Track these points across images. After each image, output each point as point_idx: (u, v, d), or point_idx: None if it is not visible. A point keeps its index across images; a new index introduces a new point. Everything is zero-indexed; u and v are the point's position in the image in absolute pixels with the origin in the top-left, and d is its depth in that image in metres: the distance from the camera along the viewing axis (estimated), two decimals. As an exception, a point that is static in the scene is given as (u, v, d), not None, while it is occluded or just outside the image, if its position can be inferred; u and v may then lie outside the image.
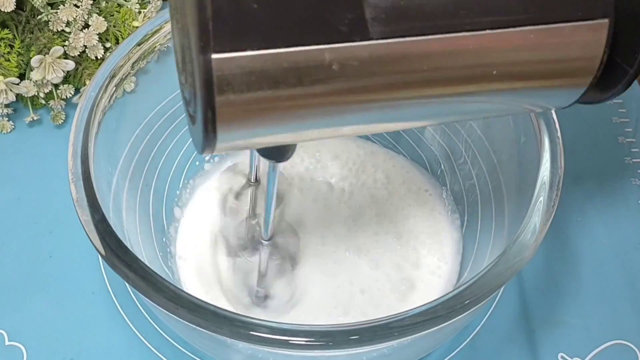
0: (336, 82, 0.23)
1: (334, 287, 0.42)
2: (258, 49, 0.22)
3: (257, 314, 0.39)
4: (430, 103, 0.25)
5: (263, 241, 0.37)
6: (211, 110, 0.23)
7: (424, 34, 0.23)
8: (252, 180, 0.40)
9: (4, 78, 0.49)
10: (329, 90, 0.23)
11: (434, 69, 0.24)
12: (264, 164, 0.38)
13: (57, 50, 0.49)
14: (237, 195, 0.42)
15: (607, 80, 0.27)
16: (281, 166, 0.42)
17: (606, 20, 0.25)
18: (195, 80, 0.22)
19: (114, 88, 0.38)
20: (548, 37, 0.25)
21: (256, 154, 0.38)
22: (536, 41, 0.24)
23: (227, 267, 0.42)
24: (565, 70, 0.26)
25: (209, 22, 0.21)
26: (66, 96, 0.51)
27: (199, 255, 0.43)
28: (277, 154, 0.29)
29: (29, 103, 0.52)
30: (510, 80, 0.25)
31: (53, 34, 0.49)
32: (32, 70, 0.49)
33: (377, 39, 0.23)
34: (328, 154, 0.48)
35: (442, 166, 0.47)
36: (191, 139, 0.27)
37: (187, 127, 0.27)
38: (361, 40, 0.23)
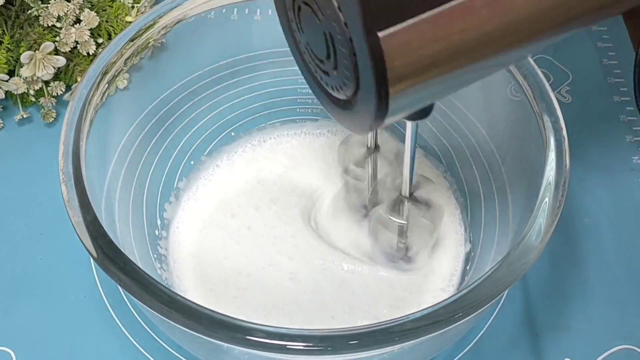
0: (487, 25, 0.24)
1: (331, 285, 0.42)
2: (417, 14, 0.23)
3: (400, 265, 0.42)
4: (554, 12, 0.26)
5: (404, 199, 0.38)
6: (384, 88, 0.24)
7: None
8: (372, 147, 0.41)
9: (-7, 74, 0.49)
10: (483, 36, 0.25)
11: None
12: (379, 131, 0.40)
13: (48, 46, 0.49)
14: (359, 163, 0.43)
15: None
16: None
17: None
18: (362, 62, 0.24)
19: (107, 85, 0.38)
20: None
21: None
22: None
23: (229, 264, 0.42)
24: None
25: (371, 1, 0.22)
26: (57, 93, 0.51)
27: (196, 255, 0.43)
28: (423, 112, 0.30)
29: (19, 100, 0.52)
30: None
31: (43, 30, 0.49)
32: (22, 67, 0.49)
33: None
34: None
35: (445, 166, 0.47)
36: (338, 123, 0.29)
37: (329, 113, 0.29)
38: None
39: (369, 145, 0.42)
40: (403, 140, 0.34)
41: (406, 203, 0.39)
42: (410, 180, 0.37)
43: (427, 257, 0.43)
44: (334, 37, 0.25)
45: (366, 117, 0.26)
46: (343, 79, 0.26)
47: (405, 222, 0.39)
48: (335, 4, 0.24)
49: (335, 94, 0.28)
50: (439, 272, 0.43)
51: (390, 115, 0.25)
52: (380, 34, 0.23)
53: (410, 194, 0.38)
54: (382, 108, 0.25)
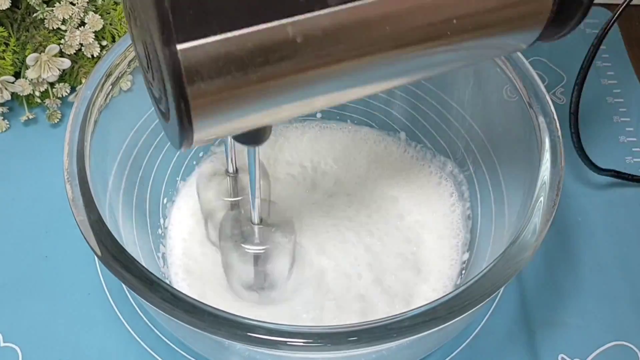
0: (303, 55, 0.23)
1: (328, 280, 0.42)
2: (220, 32, 0.22)
3: (257, 301, 0.40)
4: (400, 61, 0.26)
5: (254, 227, 0.37)
6: (184, 102, 0.22)
7: None
8: (231, 172, 0.41)
9: (-1, 76, 0.49)
10: (298, 64, 0.23)
11: (396, 28, 0.24)
12: (239, 154, 0.39)
13: (53, 48, 0.49)
14: (221, 192, 0.42)
15: (563, 14, 0.27)
16: (263, 155, 0.42)
17: None
18: (164, 75, 0.22)
19: (110, 87, 0.38)
20: None
21: (230, 144, 0.38)
22: None
23: (228, 260, 0.42)
24: (523, 11, 0.27)
25: (169, 13, 0.21)
26: (62, 95, 0.51)
27: (197, 254, 0.43)
28: (254, 138, 0.29)
29: (25, 102, 0.52)
30: (471, 29, 0.26)
31: (49, 32, 0.49)
32: (27, 69, 0.49)
33: (336, 5, 0.23)
34: (323, 145, 0.49)
35: (442, 162, 0.47)
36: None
37: (161, 126, 0.27)
38: (320, 8, 0.23)
39: (229, 171, 0.40)
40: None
41: (256, 230, 0.37)
42: (255, 207, 0.36)
43: (286, 281, 0.41)
44: (148, 47, 0.24)
45: (175, 131, 0.24)
46: (159, 91, 0.25)
47: (262, 249, 0.38)
48: (143, 15, 0.23)
49: (159, 105, 0.26)
50: (435, 270, 0.43)
51: (199, 133, 0.24)
52: (180, 47, 0.21)
53: (260, 221, 0.37)
54: (184, 125, 0.23)
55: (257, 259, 0.39)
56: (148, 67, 0.25)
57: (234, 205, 0.42)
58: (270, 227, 0.39)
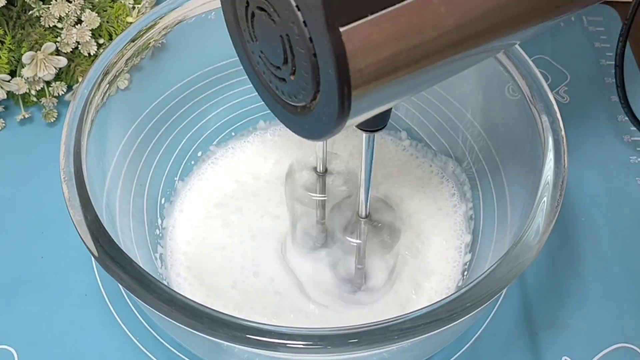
0: (449, 26, 0.24)
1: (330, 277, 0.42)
2: (376, 11, 0.22)
3: (358, 296, 0.40)
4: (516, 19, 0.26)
5: (360, 219, 0.37)
6: (347, 86, 0.23)
7: None
8: (321, 171, 0.41)
9: (-5, 75, 0.49)
10: (445, 36, 0.24)
11: None
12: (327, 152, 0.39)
13: (49, 46, 0.49)
14: (307, 188, 0.42)
15: None
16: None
17: None
18: (322, 61, 0.23)
19: (107, 85, 0.38)
20: None
21: (324, 143, 0.39)
22: None
23: (228, 262, 0.42)
24: None
25: None
26: (58, 93, 0.51)
27: (195, 254, 0.43)
28: (378, 121, 0.29)
29: (20, 100, 0.52)
30: None
31: (45, 30, 0.49)
32: (23, 67, 0.49)
33: None
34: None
35: (443, 162, 0.47)
36: (295, 132, 0.28)
37: (282, 122, 0.28)
38: None
39: (318, 170, 0.40)
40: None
41: (362, 224, 0.37)
42: (367, 199, 0.36)
43: (386, 284, 0.41)
44: (292, 39, 0.24)
45: (327, 119, 0.25)
46: (301, 84, 0.25)
47: (361, 242, 0.38)
48: (294, 3, 0.23)
49: (291, 101, 0.27)
50: (437, 272, 0.43)
51: (352, 115, 0.24)
52: (342, 30, 0.22)
53: (367, 215, 0.37)
54: (344, 108, 0.24)
55: (358, 252, 0.39)
56: (285, 61, 0.25)
57: (319, 203, 0.42)
58: (376, 226, 0.39)
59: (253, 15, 0.26)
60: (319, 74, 0.24)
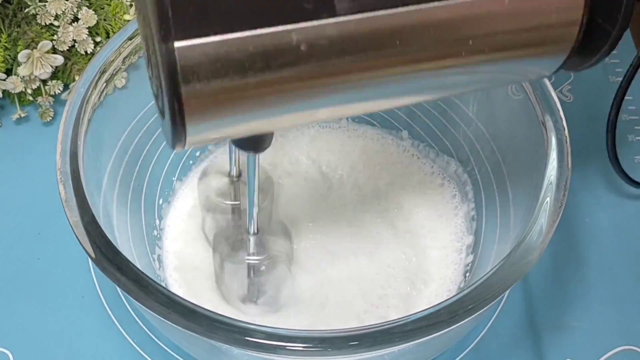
0: (306, 64, 0.23)
1: (329, 286, 0.42)
2: (221, 33, 0.22)
3: (248, 308, 0.40)
4: (407, 80, 0.25)
5: (250, 237, 0.37)
6: (178, 102, 0.22)
7: (394, 6, 0.23)
8: (235, 175, 0.40)
9: (-10, 73, 0.49)
10: (299, 73, 0.23)
11: (406, 43, 0.24)
12: (243, 156, 0.38)
13: (46, 44, 0.49)
14: (220, 193, 0.42)
15: (590, 44, 0.26)
16: (263, 158, 0.41)
17: None
18: (160, 71, 0.22)
19: (105, 84, 0.38)
20: (523, 2, 0.24)
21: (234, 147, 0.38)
22: (511, 7, 0.24)
23: (222, 265, 0.42)
24: (544, 37, 0.26)
25: (168, 9, 0.21)
26: (55, 92, 0.51)
27: (194, 256, 0.43)
28: (254, 144, 0.28)
29: (16, 99, 0.52)
30: (488, 51, 0.25)
31: (41, 28, 0.49)
32: (19, 66, 0.49)
33: (345, 14, 0.23)
34: (322, 144, 0.49)
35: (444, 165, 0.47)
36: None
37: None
38: (328, 17, 0.22)
39: (231, 174, 0.40)
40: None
41: (252, 240, 0.37)
42: (254, 216, 0.35)
43: (282, 291, 0.41)
44: (148, 42, 0.24)
45: (168, 132, 0.24)
46: (157, 88, 0.25)
47: (257, 260, 0.38)
48: (145, 9, 0.22)
49: (157, 102, 0.26)
50: (439, 273, 0.43)
51: (191, 135, 0.24)
52: (177, 45, 0.21)
53: (256, 232, 0.36)
54: (177, 125, 0.23)
55: (251, 269, 0.39)
56: (148, 62, 0.25)
57: (234, 209, 0.42)
58: (268, 238, 0.39)
59: (138, 8, 0.26)
60: (161, 83, 0.23)
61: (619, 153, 0.45)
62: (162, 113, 0.25)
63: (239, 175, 0.40)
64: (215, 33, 0.22)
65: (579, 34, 0.26)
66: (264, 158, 0.44)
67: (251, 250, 0.38)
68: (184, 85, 0.22)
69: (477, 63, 0.25)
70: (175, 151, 0.26)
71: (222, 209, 0.42)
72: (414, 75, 0.25)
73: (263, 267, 0.39)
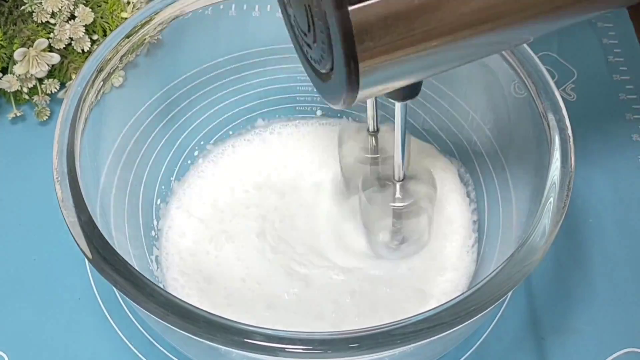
0: (462, 8, 0.25)
1: (328, 282, 0.42)
2: None
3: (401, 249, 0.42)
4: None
5: (396, 183, 0.39)
6: (354, 61, 0.25)
7: None
8: (372, 130, 0.42)
9: (-14, 72, 0.49)
10: (457, 20, 0.25)
11: None
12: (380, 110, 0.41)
13: (42, 42, 0.49)
14: (364, 148, 0.44)
15: None
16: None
17: None
18: (333, 36, 0.25)
19: (102, 83, 0.38)
20: None
21: (373, 102, 0.40)
22: None
23: (225, 264, 0.42)
24: None
25: None
26: (51, 91, 0.51)
27: (193, 256, 0.43)
28: (408, 93, 0.31)
29: (12, 98, 0.52)
30: None
31: (37, 26, 0.49)
32: (15, 64, 0.49)
33: None
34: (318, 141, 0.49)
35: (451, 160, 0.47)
36: (321, 96, 0.30)
37: (314, 86, 0.30)
38: None
39: (370, 129, 0.42)
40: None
41: (398, 186, 0.39)
42: (402, 163, 0.37)
43: (425, 239, 0.43)
44: (312, 10, 0.26)
45: (340, 90, 0.26)
46: (321, 52, 0.27)
47: (400, 205, 0.40)
48: None
49: (317, 66, 0.29)
50: (442, 274, 0.43)
51: (363, 90, 0.26)
52: (351, 8, 0.23)
53: (404, 177, 0.38)
54: (352, 83, 0.25)
55: (399, 215, 0.40)
56: (309, 29, 0.28)
57: (374, 163, 0.43)
58: (411, 183, 0.40)
59: None
60: (332, 46, 0.25)
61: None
62: (325, 77, 0.28)
63: (377, 130, 0.42)
64: None
65: None
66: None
67: (397, 195, 0.40)
68: (359, 45, 0.24)
69: None
70: (341, 108, 0.28)
71: (364, 161, 0.43)
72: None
73: (408, 212, 0.40)
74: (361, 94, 0.26)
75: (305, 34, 0.29)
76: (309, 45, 0.29)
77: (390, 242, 0.42)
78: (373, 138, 0.42)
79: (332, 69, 0.27)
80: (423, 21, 0.25)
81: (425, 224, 0.42)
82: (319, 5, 0.25)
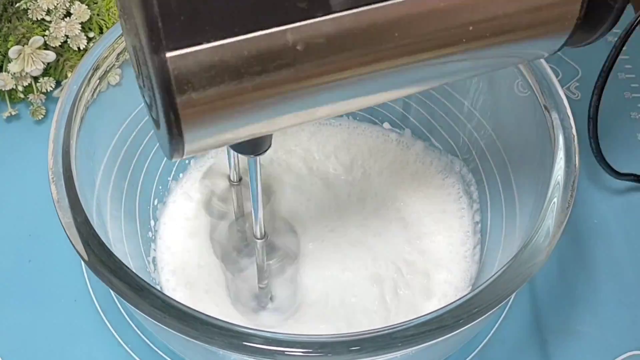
0: (304, 63, 0.23)
1: (338, 286, 0.42)
2: (214, 39, 0.21)
3: (261, 317, 0.40)
4: (410, 70, 0.25)
5: (257, 240, 0.37)
6: (173, 113, 0.22)
7: None
8: (234, 180, 0.41)
9: (-20, 70, 0.49)
10: (297, 73, 0.23)
11: (406, 34, 0.24)
12: (243, 160, 0.38)
13: (37, 40, 0.49)
14: (222, 198, 0.42)
15: (592, 19, 0.27)
16: (263, 159, 0.42)
17: None
18: (153, 83, 0.22)
19: (98, 81, 0.38)
20: None
21: (233, 151, 0.38)
22: None
23: (221, 272, 0.42)
24: (547, 17, 0.26)
25: (158, 19, 0.21)
26: (46, 89, 0.51)
27: (190, 258, 0.43)
28: (253, 147, 0.29)
29: (7, 97, 0.52)
30: (489, 35, 0.25)
31: (32, 23, 0.49)
32: (10, 62, 0.49)
33: (340, 10, 0.23)
34: (323, 141, 0.49)
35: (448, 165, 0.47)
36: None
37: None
38: (323, 14, 0.22)
39: (231, 178, 0.40)
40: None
41: (258, 244, 0.37)
42: (257, 220, 0.35)
43: (291, 307, 0.41)
44: (138, 52, 0.24)
45: (165, 141, 0.24)
46: (150, 97, 0.24)
47: (265, 264, 0.38)
48: (132, 18, 0.22)
49: (151, 112, 0.26)
50: (445, 274, 0.43)
51: (190, 144, 0.24)
52: (168, 55, 0.21)
53: (262, 235, 0.36)
54: (175, 135, 0.23)
55: (262, 273, 0.39)
56: (139, 71, 0.25)
57: (238, 215, 0.42)
58: (274, 239, 0.39)
59: (121, 13, 0.25)
60: (154, 95, 0.23)
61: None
62: (156, 123, 0.25)
63: (240, 179, 0.41)
64: (208, 40, 0.21)
65: (581, 11, 0.26)
66: (263, 156, 0.44)
67: (259, 254, 0.38)
68: (179, 95, 0.22)
69: (479, 48, 0.26)
70: (172, 161, 0.25)
71: (223, 214, 0.42)
72: (414, 65, 0.25)
73: (274, 270, 0.39)
74: (189, 148, 0.24)
75: (137, 74, 0.26)
76: (141, 87, 0.26)
77: (259, 304, 0.40)
78: (236, 188, 0.41)
79: (157, 117, 0.24)
80: (253, 74, 0.22)
81: (293, 279, 0.40)
82: (141, 48, 0.22)
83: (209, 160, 0.48)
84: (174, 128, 0.23)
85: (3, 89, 0.50)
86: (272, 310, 0.40)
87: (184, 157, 0.25)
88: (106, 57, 0.39)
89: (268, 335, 0.29)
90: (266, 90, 0.23)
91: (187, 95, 0.22)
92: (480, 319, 0.30)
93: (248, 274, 0.40)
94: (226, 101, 0.23)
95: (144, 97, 0.27)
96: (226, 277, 0.41)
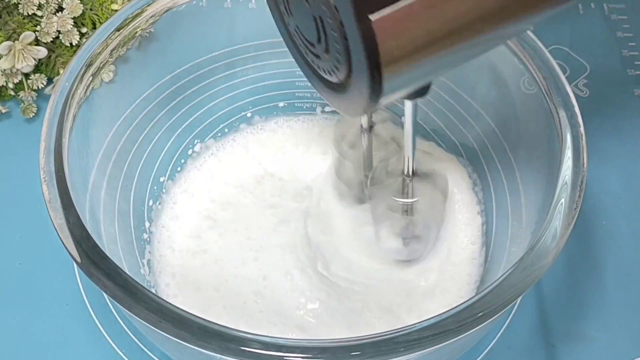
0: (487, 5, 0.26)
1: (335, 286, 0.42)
2: None
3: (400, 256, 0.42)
4: None
5: (406, 179, 0.39)
6: (377, 70, 0.25)
7: None
8: (366, 128, 0.42)
9: (-31, 66, 0.49)
10: (478, 12, 0.26)
11: None
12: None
13: (28, 36, 0.49)
14: (351, 144, 0.44)
15: None
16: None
17: None
18: (354, 46, 0.25)
19: (91, 78, 0.38)
20: None
21: None
22: None
23: (221, 268, 0.43)
24: None
25: None
26: (38, 87, 0.51)
27: (187, 260, 0.43)
28: (421, 91, 0.31)
29: (-3, 94, 0.52)
30: None
31: (23, 18, 0.49)
32: (0, 58, 0.49)
33: None
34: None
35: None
36: (333, 107, 0.31)
37: (322, 97, 0.31)
38: None
39: (363, 126, 0.42)
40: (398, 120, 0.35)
41: (409, 182, 0.39)
42: (412, 159, 0.38)
43: (436, 234, 0.43)
44: (324, 21, 0.26)
45: (360, 99, 0.27)
46: (335, 62, 0.28)
47: (411, 201, 0.40)
48: None
49: (327, 77, 0.29)
50: (449, 278, 0.43)
51: (384, 96, 0.27)
52: (372, 17, 0.24)
53: (413, 172, 0.39)
54: (375, 90, 0.26)
55: (405, 211, 0.41)
56: (319, 40, 0.28)
57: (367, 163, 0.43)
58: (421, 181, 0.41)
59: None
60: (350, 56, 0.26)
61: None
62: (336, 86, 0.29)
63: (371, 127, 0.42)
64: None
65: None
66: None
67: (405, 192, 0.40)
68: (382, 53, 0.25)
69: None
70: (358, 116, 0.29)
71: (350, 156, 0.44)
72: None
73: (416, 210, 0.41)
74: (383, 101, 0.27)
75: (312, 45, 0.29)
76: (316, 56, 0.29)
77: (395, 239, 0.42)
78: (366, 135, 0.43)
79: (347, 78, 0.27)
80: (440, 19, 0.25)
81: (433, 224, 0.42)
82: (333, 17, 0.25)
83: (209, 159, 0.48)
84: (377, 84, 0.26)
85: (-7, 86, 0.50)
86: (412, 244, 0.42)
87: (374, 109, 0.28)
88: (99, 53, 0.39)
89: (266, 339, 0.29)
90: (456, 36, 0.26)
91: (389, 52, 0.25)
92: (485, 323, 0.30)
93: (393, 210, 0.41)
94: (419, 51, 0.26)
95: (312, 66, 0.30)
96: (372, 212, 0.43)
